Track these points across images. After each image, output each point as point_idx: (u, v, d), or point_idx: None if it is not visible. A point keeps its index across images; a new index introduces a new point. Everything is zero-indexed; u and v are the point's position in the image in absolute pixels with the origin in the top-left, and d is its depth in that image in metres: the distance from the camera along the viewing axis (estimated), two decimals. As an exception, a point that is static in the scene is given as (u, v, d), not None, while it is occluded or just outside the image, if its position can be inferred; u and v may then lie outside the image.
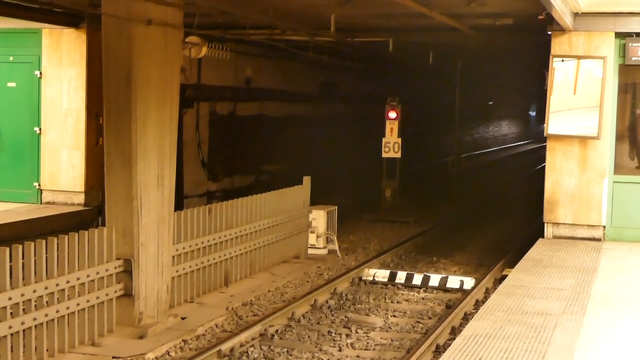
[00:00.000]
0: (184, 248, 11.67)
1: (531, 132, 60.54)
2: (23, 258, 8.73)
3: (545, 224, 14.02)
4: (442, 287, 13.68)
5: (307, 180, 15.74)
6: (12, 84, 15.64)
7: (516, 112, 57.15)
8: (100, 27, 10.34)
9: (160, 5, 10.25)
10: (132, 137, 10.13)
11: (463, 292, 13.26)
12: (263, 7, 13.60)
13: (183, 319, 11.07)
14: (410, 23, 15.72)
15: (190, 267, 11.89)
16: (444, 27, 15.60)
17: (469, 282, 13.64)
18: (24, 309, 8.73)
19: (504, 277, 11.95)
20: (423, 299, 13.16)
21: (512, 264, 12.98)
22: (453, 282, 13.76)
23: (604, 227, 13.81)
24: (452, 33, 16.43)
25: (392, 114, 21.26)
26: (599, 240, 13.74)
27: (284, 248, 14.95)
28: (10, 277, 8.57)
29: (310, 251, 15.86)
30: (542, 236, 14.01)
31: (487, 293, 12.93)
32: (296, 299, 12.25)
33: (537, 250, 13.03)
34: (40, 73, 15.34)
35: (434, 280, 13.85)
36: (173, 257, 11.30)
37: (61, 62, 15.24)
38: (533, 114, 64.15)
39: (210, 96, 19.57)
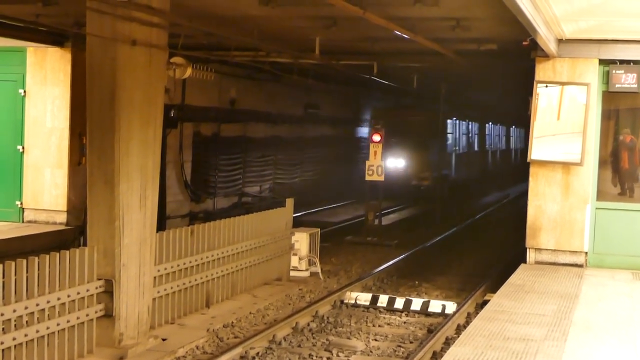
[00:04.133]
0: (165, 269, 11.60)
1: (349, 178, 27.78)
2: (3, 277, 8.65)
3: (528, 250, 14.04)
4: (424, 311, 13.66)
5: (290, 202, 15.71)
6: (-5, 102, 15.62)
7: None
8: (85, 47, 10.32)
9: (145, 26, 10.23)
10: (115, 157, 10.08)
11: (445, 316, 13.24)
12: (248, 29, 13.63)
13: (164, 340, 10.99)
14: (394, 47, 15.78)
15: (171, 288, 11.82)
16: (428, 52, 15.66)
17: (450, 307, 13.62)
18: (3, 329, 8.64)
19: (485, 302, 11.95)
20: (405, 322, 13.13)
21: (494, 289, 12.98)
22: (435, 306, 13.74)
23: (586, 253, 13.84)
24: (435, 57, 16.50)
25: (376, 137, 21.20)
26: (581, 266, 13.76)
27: (266, 270, 14.89)
28: (-10, 297, 8.50)
29: (292, 273, 15.81)
30: (525, 261, 14.03)
31: (469, 318, 12.91)
32: (277, 321, 12.19)
33: (519, 275, 13.04)
34: (25, 91, 15.31)
35: (416, 304, 13.83)
36: (154, 278, 11.22)
37: (45, 81, 15.22)
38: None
39: (194, 117, 19.59)
